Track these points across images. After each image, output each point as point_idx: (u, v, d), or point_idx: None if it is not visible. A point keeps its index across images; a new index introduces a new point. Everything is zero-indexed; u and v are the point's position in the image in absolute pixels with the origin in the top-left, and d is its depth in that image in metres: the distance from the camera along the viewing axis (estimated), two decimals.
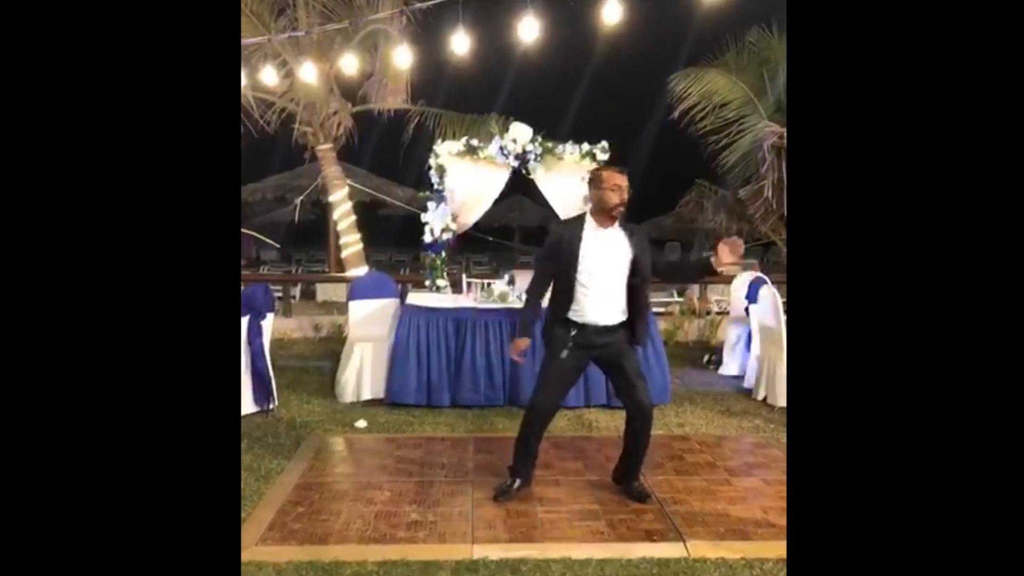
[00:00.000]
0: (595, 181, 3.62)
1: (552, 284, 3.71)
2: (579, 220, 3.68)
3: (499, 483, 3.85)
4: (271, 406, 5.41)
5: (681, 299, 10.98)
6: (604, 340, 3.62)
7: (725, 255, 3.50)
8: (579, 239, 3.58)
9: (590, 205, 3.67)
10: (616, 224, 3.62)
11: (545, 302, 3.77)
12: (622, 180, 3.56)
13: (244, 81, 7.68)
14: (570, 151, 6.35)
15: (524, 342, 3.77)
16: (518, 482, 3.82)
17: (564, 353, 3.62)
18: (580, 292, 3.56)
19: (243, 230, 9.48)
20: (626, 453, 3.86)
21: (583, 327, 3.60)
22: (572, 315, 3.60)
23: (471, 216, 6.66)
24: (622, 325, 3.65)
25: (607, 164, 3.76)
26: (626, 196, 3.56)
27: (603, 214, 3.59)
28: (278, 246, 16.11)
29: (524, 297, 3.89)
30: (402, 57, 6.75)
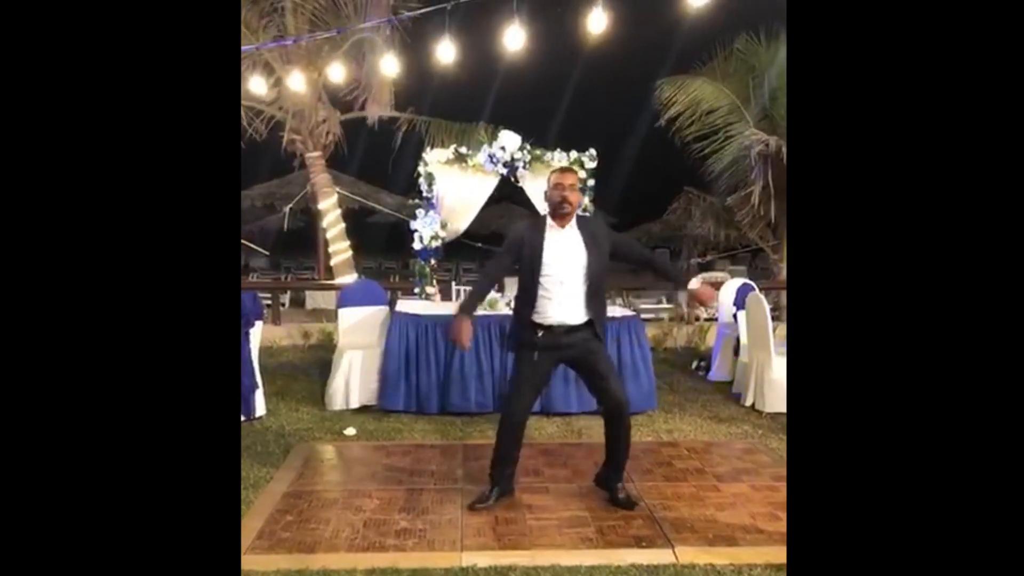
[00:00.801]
0: (547, 182, 3.69)
1: (517, 287, 3.73)
2: (542, 221, 3.70)
3: (480, 491, 3.85)
4: (252, 416, 5.37)
5: (670, 305, 11.03)
6: (570, 340, 3.62)
7: (706, 296, 3.76)
8: (542, 240, 3.60)
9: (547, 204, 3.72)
10: (573, 222, 3.65)
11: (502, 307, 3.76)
12: (563, 179, 3.59)
13: None
14: (558, 158, 6.39)
15: (467, 324, 3.60)
16: (496, 491, 3.80)
17: (535, 356, 3.64)
18: (544, 293, 3.57)
19: None
20: (608, 456, 3.85)
21: (549, 328, 3.60)
22: (536, 317, 3.60)
23: (460, 223, 6.68)
24: (587, 324, 3.63)
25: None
26: (569, 194, 3.57)
27: (552, 214, 3.64)
28: (267, 253, 16.08)
29: (475, 279, 3.92)
30: (389, 65, 6.77)
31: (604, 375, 3.67)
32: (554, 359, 3.72)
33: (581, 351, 3.66)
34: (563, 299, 3.57)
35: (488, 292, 3.89)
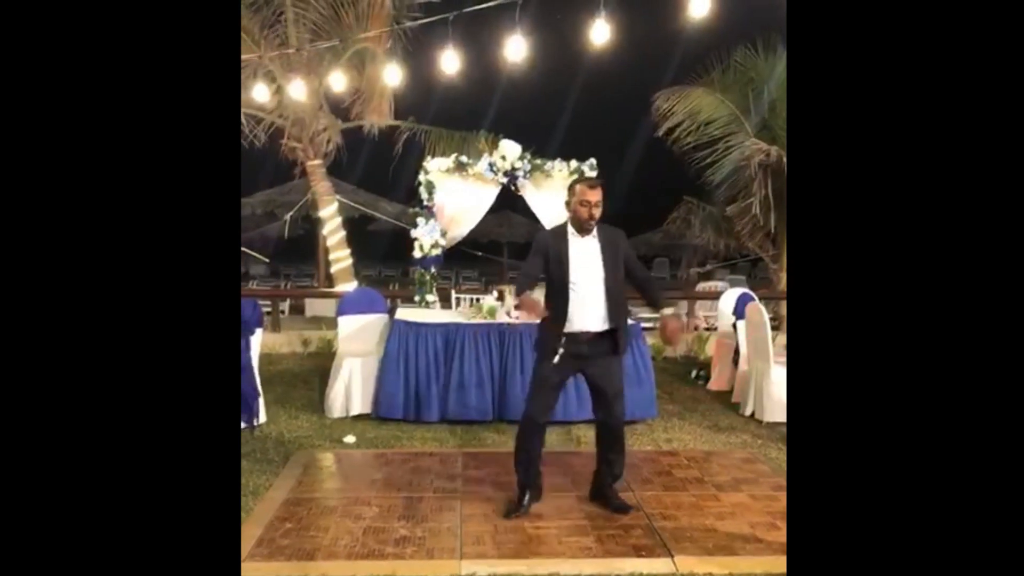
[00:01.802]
0: (570, 192, 3.69)
1: (545, 296, 3.71)
2: (563, 228, 3.73)
3: (508, 500, 3.86)
4: (255, 423, 5.37)
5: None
6: (592, 350, 3.64)
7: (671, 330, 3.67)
8: (566, 247, 3.64)
9: (569, 214, 3.72)
10: (594, 231, 3.67)
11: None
12: (592, 196, 3.58)
13: None
14: (559, 168, 6.41)
15: (532, 298, 3.54)
16: (528, 496, 3.81)
17: (556, 359, 3.63)
18: (572, 299, 3.59)
19: None
20: (599, 471, 3.91)
21: (572, 335, 3.62)
22: (564, 325, 3.63)
23: (460, 231, 6.70)
24: (607, 334, 3.66)
25: (584, 177, 3.86)
26: (595, 211, 3.59)
27: (576, 226, 3.66)
28: (267, 261, 16.09)
29: (516, 281, 3.84)
30: (390, 75, 6.80)
31: (610, 399, 3.72)
32: (575, 366, 3.72)
33: (600, 367, 3.69)
34: (586, 306, 3.59)
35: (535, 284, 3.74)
